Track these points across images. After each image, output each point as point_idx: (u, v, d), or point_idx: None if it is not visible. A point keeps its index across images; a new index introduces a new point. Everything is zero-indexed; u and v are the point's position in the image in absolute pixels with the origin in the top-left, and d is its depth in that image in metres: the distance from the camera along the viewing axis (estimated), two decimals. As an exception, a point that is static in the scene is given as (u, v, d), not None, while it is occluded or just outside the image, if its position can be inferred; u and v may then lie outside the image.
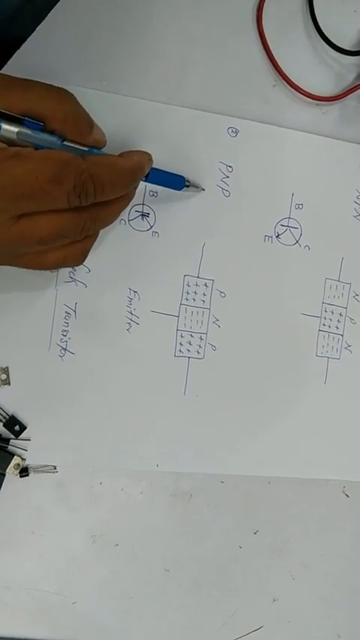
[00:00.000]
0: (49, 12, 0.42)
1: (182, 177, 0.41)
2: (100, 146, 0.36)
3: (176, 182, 0.41)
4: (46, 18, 0.42)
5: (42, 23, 0.42)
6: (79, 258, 0.36)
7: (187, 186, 0.42)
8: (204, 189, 0.43)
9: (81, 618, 0.43)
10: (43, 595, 0.42)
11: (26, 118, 0.33)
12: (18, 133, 0.33)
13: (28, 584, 0.42)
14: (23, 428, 0.41)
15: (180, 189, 0.41)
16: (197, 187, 0.43)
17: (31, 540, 0.42)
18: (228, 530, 0.45)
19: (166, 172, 0.40)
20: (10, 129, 0.33)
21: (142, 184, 0.42)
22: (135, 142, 0.42)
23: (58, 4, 0.42)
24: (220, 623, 0.46)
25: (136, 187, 0.38)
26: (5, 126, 0.32)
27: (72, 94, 0.35)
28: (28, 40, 0.41)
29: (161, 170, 0.40)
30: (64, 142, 0.34)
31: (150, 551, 0.44)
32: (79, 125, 0.35)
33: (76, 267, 0.42)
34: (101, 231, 0.37)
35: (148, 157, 0.37)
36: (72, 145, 0.34)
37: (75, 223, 0.33)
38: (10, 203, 0.31)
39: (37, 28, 0.41)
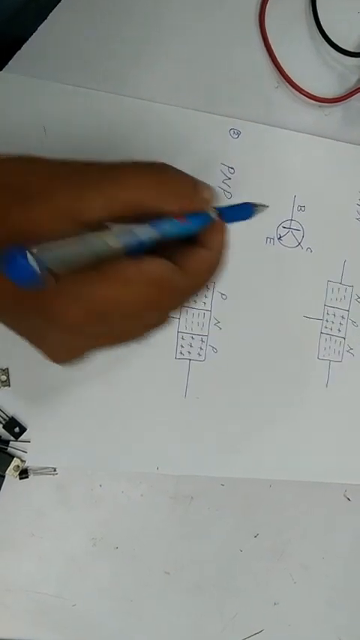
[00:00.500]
0: (50, 11, 0.42)
1: (248, 204, 0.35)
2: (207, 205, 0.32)
3: (245, 212, 0.35)
4: (47, 18, 0.42)
5: (43, 23, 0.41)
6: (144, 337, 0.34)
7: (255, 211, 0.35)
8: (268, 206, 0.36)
9: (81, 621, 0.43)
10: (43, 597, 0.42)
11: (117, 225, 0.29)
12: (115, 241, 0.28)
13: (28, 586, 0.42)
14: (23, 430, 0.41)
15: (249, 217, 0.35)
16: (263, 206, 0.36)
17: (30, 542, 0.42)
18: (228, 533, 0.45)
19: (232, 207, 0.34)
20: (114, 243, 0.28)
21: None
22: (136, 143, 0.42)
23: (60, 3, 0.42)
24: (220, 627, 0.45)
25: None
26: (111, 242, 0.28)
27: (165, 165, 0.32)
28: (29, 40, 0.41)
29: (226, 207, 0.33)
30: (161, 226, 0.29)
31: (150, 554, 0.44)
32: (179, 194, 0.31)
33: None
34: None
35: (224, 228, 0.33)
36: (168, 226, 0.30)
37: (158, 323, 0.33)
38: (106, 325, 0.30)
39: (38, 28, 0.41)
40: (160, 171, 0.31)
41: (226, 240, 0.33)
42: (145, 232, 0.29)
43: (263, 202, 0.36)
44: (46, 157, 0.32)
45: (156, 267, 0.30)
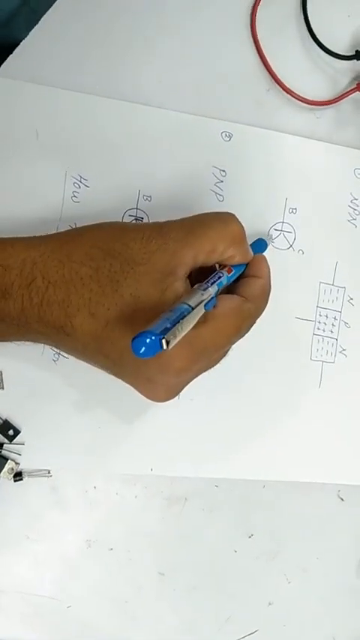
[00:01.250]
0: (42, 15, 0.42)
1: (261, 239, 0.43)
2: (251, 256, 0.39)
3: (261, 245, 0.43)
4: (39, 22, 0.42)
5: (35, 27, 0.42)
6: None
7: (267, 243, 0.44)
8: (274, 240, 0.45)
9: (76, 622, 0.43)
10: (38, 599, 0.42)
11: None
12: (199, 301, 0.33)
13: (23, 588, 0.42)
14: (17, 432, 0.41)
15: (266, 248, 0.43)
16: (270, 237, 0.45)
17: (25, 544, 0.42)
18: (223, 534, 0.45)
19: (253, 244, 0.42)
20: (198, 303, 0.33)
21: (136, 190, 0.43)
22: (128, 147, 0.43)
23: (51, 8, 0.42)
24: (215, 627, 0.46)
25: None
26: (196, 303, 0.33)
27: (234, 215, 0.37)
28: (21, 44, 0.42)
29: (251, 245, 0.41)
30: (221, 282, 0.36)
31: (145, 555, 0.44)
32: (244, 248, 0.37)
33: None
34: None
35: (265, 258, 0.40)
36: (225, 280, 0.37)
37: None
38: (206, 360, 0.36)
39: (30, 32, 0.42)
40: (228, 221, 0.36)
41: (269, 267, 0.40)
42: (213, 291, 0.35)
43: (270, 235, 0.45)
44: (129, 222, 0.40)
45: (232, 302, 0.36)
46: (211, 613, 0.45)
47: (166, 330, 0.30)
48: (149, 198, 0.43)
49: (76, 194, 0.42)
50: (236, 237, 0.36)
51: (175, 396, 0.37)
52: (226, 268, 0.37)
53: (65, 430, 0.42)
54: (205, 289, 0.34)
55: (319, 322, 0.46)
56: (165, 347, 0.29)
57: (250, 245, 0.41)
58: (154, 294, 0.34)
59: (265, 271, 0.39)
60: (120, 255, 0.34)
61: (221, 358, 0.39)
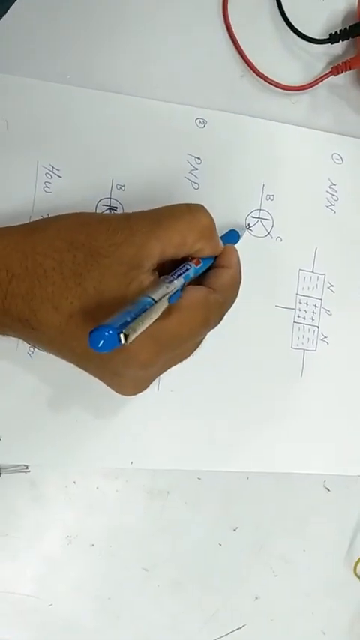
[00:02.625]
0: (12, 4, 0.41)
1: (234, 230, 0.43)
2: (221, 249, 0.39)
3: (233, 236, 0.43)
4: (8, 10, 0.41)
5: (4, 16, 0.41)
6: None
7: (240, 234, 0.43)
8: (249, 228, 0.45)
9: (58, 620, 0.42)
10: (19, 598, 0.42)
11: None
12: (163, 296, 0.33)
13: (3, 586, 0.41)
14: (-7, 427, 0.40)
15: (239, 239, 0.43)
16: (243, 229, 0.45)
17: (4, 542, 0.41)
18: (207, 527, 0.45)
19: (224, 235, 0.42)
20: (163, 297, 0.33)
21: (109, 179, 0.42)
22: (101, 136, 0.42)
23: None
24: (201, 623, 0.45)
25: None
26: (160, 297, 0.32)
27: (204, 207, 0.36)
28: (-11, 34, 0.41)
29: (222, 237, 0.40)
30: (188, 275, 0.36)
31: (127, 551, 0.43)
32: (213, 241, 0.37)
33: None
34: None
35: (235, 249, 0.40)
36: (192, 272, 0.36)
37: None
38: (172, 352, 0.35)
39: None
40: (197, 213, 0.36)
41: (238, 258, 0.39)
42: (178, 283, 0.34)
43: (242, 226, 0.44)
44: (96, 213, 0.38)
45: (198, 293, 0.35)
46: (196, 608, 0.45)
47: (126, 324, 0.29)
48: (123, 188, 0.42)
49: (48, 184, 0.41)
50: (205, 230, 0.36)
51: (143, 390, 0.37)
52: (195, 260, 0.37)
53: (42, 424, 0.41)
54: (170, 282, 0.34)
55: (300, 310, 0.45)
56: (123, 341, 0.29)
57: (222, 236, 0.41)
58: (119, 288, 0.33)
59: (234, 261, 0.38)
60: (84, 247, 0.34)
61: (193, 350, 0.38)
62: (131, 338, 0.29)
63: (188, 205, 0.36)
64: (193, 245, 0.35)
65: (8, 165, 0.41)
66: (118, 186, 0.42)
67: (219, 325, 0.43)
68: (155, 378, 0.37)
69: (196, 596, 0.45)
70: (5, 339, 0.40)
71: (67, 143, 0.42)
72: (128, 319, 0.30)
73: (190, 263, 0.36)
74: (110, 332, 0.29)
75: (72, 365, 0.41)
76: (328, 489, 0.47)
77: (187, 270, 0.35)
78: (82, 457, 0.42)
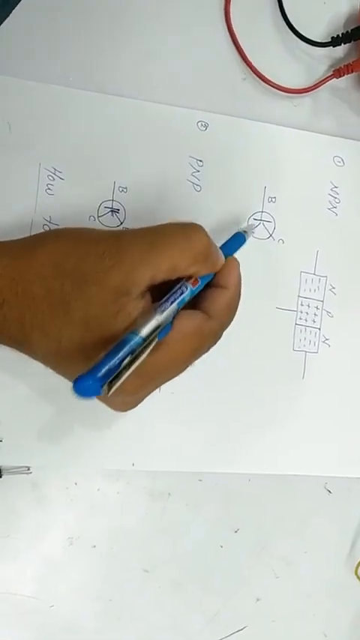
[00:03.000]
0: (14, 7, 0.42)
1: (239, 232, 0.41)
2: (220, 267, 0.37)
3: (239, 239, 0.41)
4: (11, 14, 0.41)
5: (7, 19, 0.41)
6: None
7: (247, 234, 0.41)
8: (257, 225, 0.44)
9: (59, 622, 0.42)
10: (20, 599, 0.42)
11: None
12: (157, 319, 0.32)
13: (4, 588, 0.41)
14: (-5, 429, 0.40)
15: (245, 241, 0.41)
16: (252, 227, 0.44)
17: (5, 543, 0.41)
18: (208, 529, 0.45)
19: (226, 243, 0.40)
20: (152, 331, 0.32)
21: (111, 181, 0.42)
22: (103, 139, 0.42)
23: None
24: (202, 624, 0.45)
25: None
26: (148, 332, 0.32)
27: (195, 227, 0.35)
28: (-8, 37, 0.41)
29: (223, 246, 0.39)
30: (183, 300, 0.34)
31: (128, 552, 0.43)
32: (207, 261, 0.35)
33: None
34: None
35: (237, 264, 0.38)
36: (187, 296, 0.35)
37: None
38: (160, 381, 0.35)
39: (2, 24, 0.41)
40: (192, 236, 0.34)
41: (239, 275, 0.37)
42: (171, 313, 0.33)
43: (250, 225, 0.43)
44: (85, 231, 0.36)
45: (191, 322, 0.34)
46: (197, 610, 0.45)
47: (110, 373, 0.29)
48: (125, 190, 0.42)
49: (50, 187, 0.41)
50: (200, 254, 0.34)
51: (134, 407, 0.37)
52: (192, 280, 0.35)
53: (44, 426, 0.41)
54: (162, 311, 0.33)
55: (301, 312, 0.46)
56: (107, 392, 0.29)
57: (226, 242, 0.40)
58: (106, 317, 0.32)
59: (233, 282, 0.36)
60: (71, 274, 0.33)
61: (181, 372, 0.37)
62: (115, 387, 0.29)
63: (183, 227, 0.35)
64: (186, 269, 0.34)
65: (10, 168, 0.41)
66: (120, 189, 0.42)
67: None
68: (146, 397, 0.37)
69: (197, 597, 0.45)
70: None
71: (69, 145, 0.42)
72: (112, 366, 0.30)
73: (186, 284, 0.34)
74: (92, 382, 0.29)
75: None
76: (329, 491, 0.47)
77: (182, 294, 0.34)
78: (83, 459, 0.42)
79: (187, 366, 0.36)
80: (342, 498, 0.47)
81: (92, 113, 0.42)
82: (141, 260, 0.33)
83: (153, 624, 0.44)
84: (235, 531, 0.45)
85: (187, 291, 0.34)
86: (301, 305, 0.46)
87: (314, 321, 0.46)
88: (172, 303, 0.33)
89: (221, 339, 0.42)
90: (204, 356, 0.43)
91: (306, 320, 0.46)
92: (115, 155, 0.42)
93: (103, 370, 0.29)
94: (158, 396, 0.43)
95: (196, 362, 0.43)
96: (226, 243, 0.40)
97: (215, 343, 0.37)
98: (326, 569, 0.47)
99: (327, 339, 0.46)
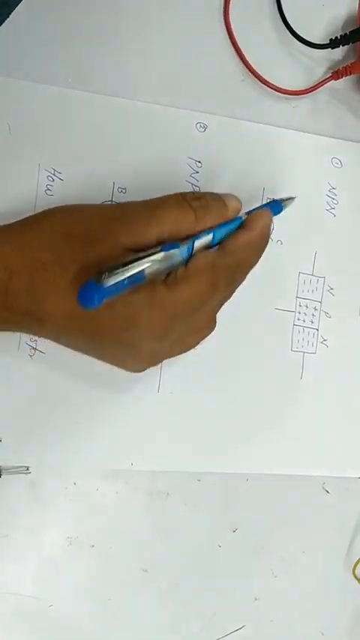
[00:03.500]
0: (14, 9, 0.42)
1: (278, 202, 0.40)
2: (237, 213, 0.37)
3: (275, 208, 0.40)
4: (11, 15, 0.42)
5: (7, 20, 0.41)
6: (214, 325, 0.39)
7: (284, 205, 0.41)
8: (295, 197, 0.42)
9: (58, 622, 0.42)
10: (19, 599, 0.42)
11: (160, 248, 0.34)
12: (160, 262, 0.34)
13: (3, 587, 0.41)
14: (-6, 429, 0.40)
15: (280, 211, 0.40)
16: (291, 199, 0.42)
17: (4, 543, 0.41)
18: (206, 528, 0.45)
19: (268, 204, 0.40)
20: (154, 264, 0.34)
21: (111, 182, 0.42)
22: (102, 140, 0.42)
23: (23, 0, 0.42)
24: (200, 624, 0.45)
25: None
26: (148, 265, 0.33)
27: (194, 192, 0.38)
28: (-8, 38, 0.41)
29: (265, 205, 0.39)
30: (197, 241, 0.35)
31: (127, 552, 0.43)
32: (212, 214, 0.36)
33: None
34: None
35: (268, 213, 0.38)
36: (204, 239, 0.36)
37: (221, 302, 0.38)
38: (184, 323, 0.36)
39: (1, 25, 0.41)
40: (186, 195, 0.36)
41: (267, 222, 0.37)
42: (181, 251, 0.35)
43: (290, 198, 0.41)
44: (90, 204, 0.38)
45: (202, 258, 0.35)
46: (196, 609, 0.45)
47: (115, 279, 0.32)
48: (124, 191, 0.42)
49: (49, 187, 0.41)
50: (200, 208, 0.36)
51: (156, 364, 0.38)
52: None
53: (43, 426, 0.41)
54: (168, 249, 0.34)
55: (300, 313, 0.46)
56: (106, 278, 0.31)
57: (261, 205, 0.39)
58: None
59: (257, 225, 0.37)
60: (80, 238, 0.34)
61: (207, 324, 0.38)
62: (110, 278, 0.31)
63: (181, 193, 0.36)
64: (191, 228, 0.35)
65: (10, 168, 0.41)
66: (120, 189, 0.42)
67: (219, 326, 0.44)
68: (169, 355, 0.38)
69: (195, 597, 0.45)
70: (6, 340, 0.41)
71: (68, 146, 0.42)
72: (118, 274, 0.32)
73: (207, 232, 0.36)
74: (90, 282, 0.31)
75: (72, 366, 0.42)
76: (327, 491, 0.47)
77: (197, 237, 0.35)
78: (82, 458, 0.42)
79: (206, 311, 0.37)
80: (340, 498, 0.47)
81: (91, 114, 0.42)
82: (147, 221, 0.34)
83: (152, 623, 0.44)
84: (234, 531, 0.45)
85: (203, 234, 0.35)
86: (300, 306, 0.46)
87: (312, 322, 0.46)
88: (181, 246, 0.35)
89: (221, 339, 0.42)
90: (203, 356, 0.43)
91: (304, 321, 0.46)
92: (114, 156, 0.43)
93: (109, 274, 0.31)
94: (157, 396, 0.43)
95: (196, 362, 0.43)
96: (261, 206, 0.39)
97: (233, 285, 0.38)
98: (324, 568, 0.47)
99: (325, 340, 0.46)
